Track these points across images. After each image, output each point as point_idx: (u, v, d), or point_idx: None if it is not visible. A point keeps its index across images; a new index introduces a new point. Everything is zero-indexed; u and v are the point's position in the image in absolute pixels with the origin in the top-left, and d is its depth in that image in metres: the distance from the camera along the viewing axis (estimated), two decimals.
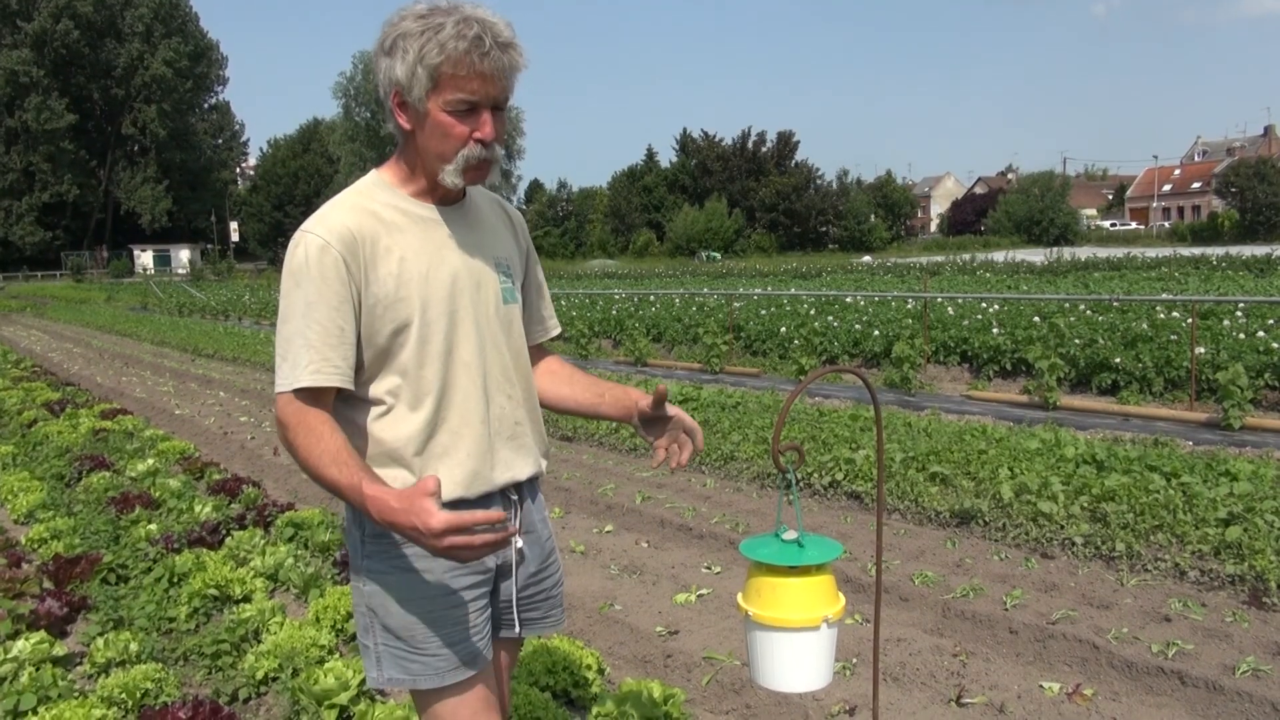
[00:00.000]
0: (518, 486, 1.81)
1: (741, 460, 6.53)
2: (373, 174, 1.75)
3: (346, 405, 1.69)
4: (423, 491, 1.45)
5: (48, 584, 4.29)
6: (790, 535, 1.69)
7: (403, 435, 1.66)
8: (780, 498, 1.86)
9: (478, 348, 1.72)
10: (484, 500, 1.74)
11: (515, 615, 1.83)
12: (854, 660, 3.49)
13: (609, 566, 4.71)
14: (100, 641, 3.57)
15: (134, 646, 3.54)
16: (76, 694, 3.25)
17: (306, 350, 1.58)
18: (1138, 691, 3.26)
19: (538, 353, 1.99)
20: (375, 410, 1.68)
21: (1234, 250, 33.21)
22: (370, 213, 1.67)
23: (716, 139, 73.98)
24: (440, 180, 1.66)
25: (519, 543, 1.81)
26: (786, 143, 72.99)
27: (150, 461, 6.70)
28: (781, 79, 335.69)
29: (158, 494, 5.82)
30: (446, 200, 1.75)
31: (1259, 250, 32.03)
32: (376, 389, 1.67)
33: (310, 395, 1.59)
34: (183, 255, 71.56)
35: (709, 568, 4.65)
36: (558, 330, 2.03)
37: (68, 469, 6.74)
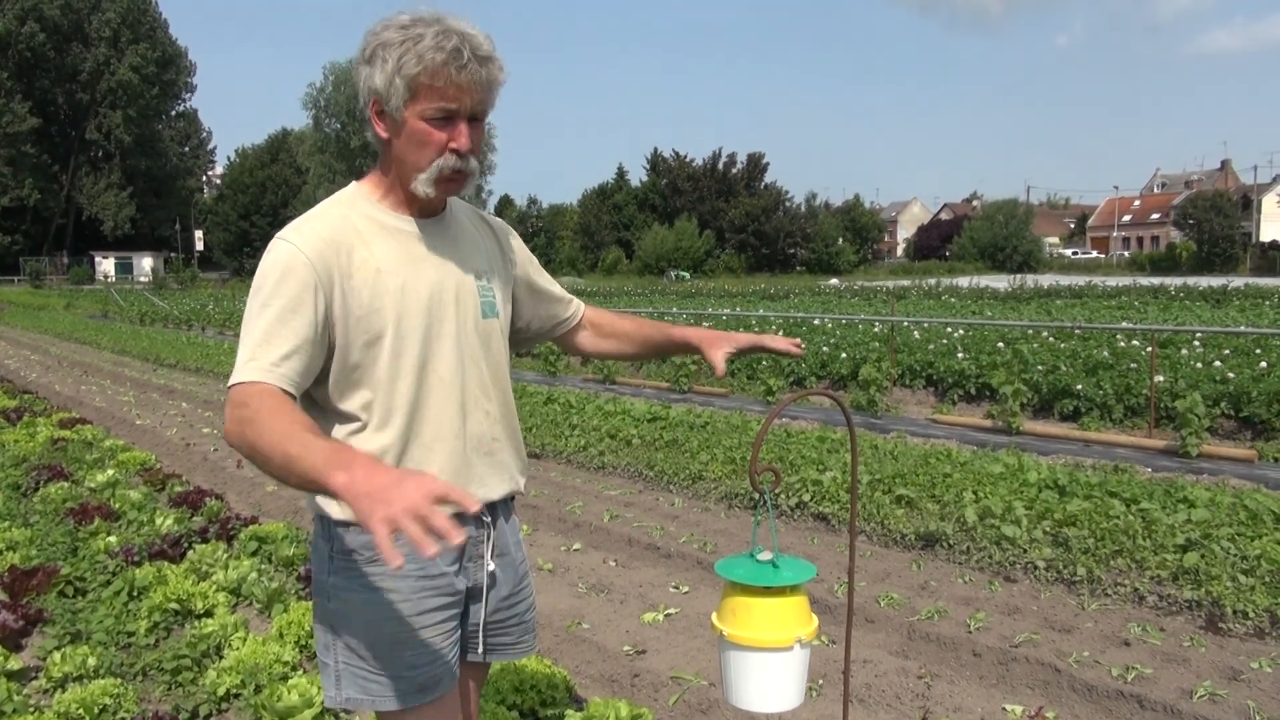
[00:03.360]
0: (491, 506, 1.78)
1: (710, 480, 6.55)
2: (353, 186, 1.74)
3: (324, 417, 1.68)
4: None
5: (3, 596, 4.21)
6: (765, 556, 1.71)
7: (375, 450, 1.64)
8: (756, 518, 1.88)
9: (455, 362, 1.70)
10: (455, 519, 1.71)
11: (481, 640, 1.79)
12: (820, 681, 3.51)
13: (577, 585, 4.70)
14: (57, 655, 3.50)
15: (92, 661, 3.47)
16: (32, 709, 3.18)
17: (250, 347, 1.56)
18: (1098, 714, 3.31)
19: (577, 329, 2.07)
20: (350, 426, 1.66)
21: (1191, 281, 34.00)
22: (348, 223, 1.66)
23: (687, 159, 74.42)
24: (413, 190, 1.65)
25: (491, 565, 1.77)
26: (756, 165, 73.60)
27: (110, 472, 6.58)
28: (752, 102, 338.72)
29: (118, 505, 5.72)
30: (426, 212, 1.73)
31: (1215, 281, 32.81)
32: (350, 404, 1.65)
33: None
34: (145, 263, 70.54)
35: (677, 587, 4.65)
36: (582, 309, 2.08)
37: (24, 478, 6.61)
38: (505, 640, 1.85)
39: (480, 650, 1.80)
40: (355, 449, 1.45)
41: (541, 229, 79.62)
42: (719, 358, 1.90)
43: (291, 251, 1.59)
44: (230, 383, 1.56)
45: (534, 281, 1.97)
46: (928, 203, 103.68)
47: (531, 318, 1.98)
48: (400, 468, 1.50)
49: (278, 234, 1.64)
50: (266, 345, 1.56)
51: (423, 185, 1.64)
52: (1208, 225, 58.74)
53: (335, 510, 1.67)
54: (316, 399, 1.68)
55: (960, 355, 11.45)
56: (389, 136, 1.64)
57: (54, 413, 9.74)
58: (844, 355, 12.20)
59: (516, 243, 1.95)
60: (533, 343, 2.03)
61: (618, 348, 2.08)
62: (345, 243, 1.63)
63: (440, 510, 1.22)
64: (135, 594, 4.20)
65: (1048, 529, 4.87)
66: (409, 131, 1.61)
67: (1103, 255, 76.31)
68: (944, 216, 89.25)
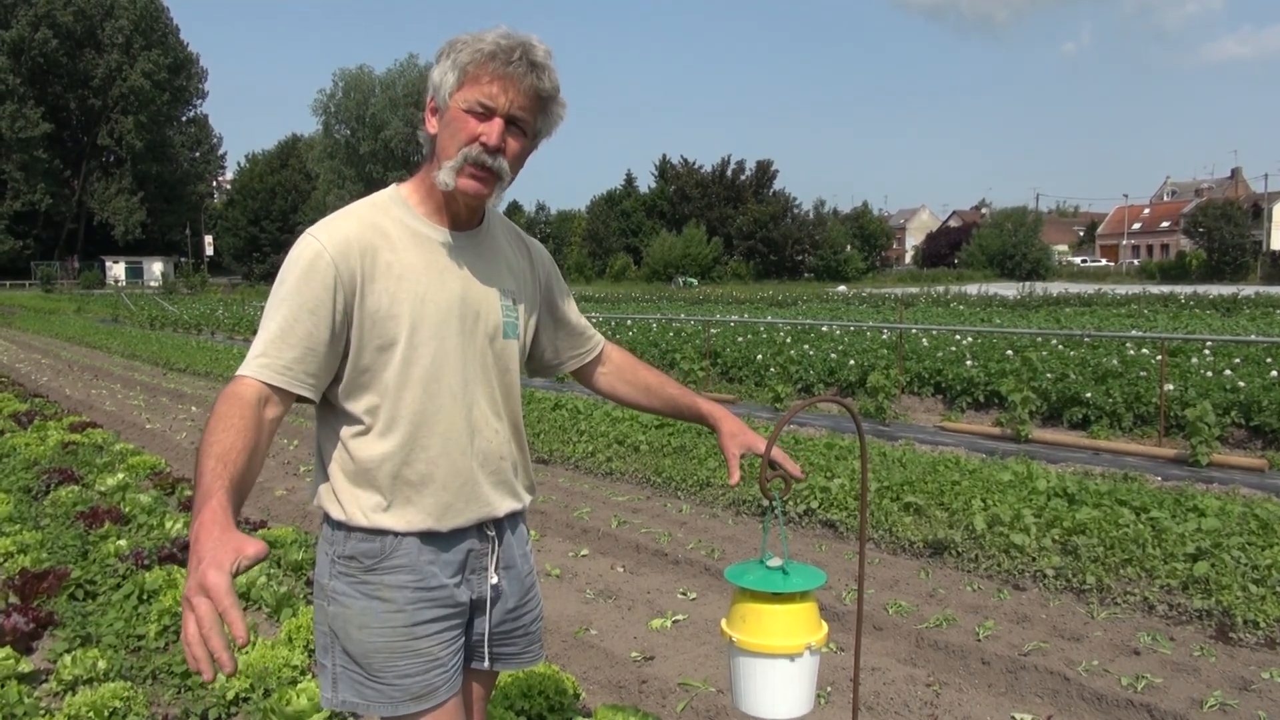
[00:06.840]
0: (496, 522, 1.78)
1: (717, 486, 6.55)
2: (393, 188, 1.74)
3: (334, 416, 1.69)
4: (242, 548, 1.26)
5: (13, 599, 4.22)
6: (775, 562, 1.71)
7: (376, 456, 1.64)
8: (766, 524, 1.88)
9: (465, 378, 1.69)
10: (456, 535, 1.71)
11: (486, 650, 1.80)
12: (828, 689, 3.50)
13: (585, 590, 4.70)
14: (67, 658, 3.52)
15: (102, 664, 3.49)
16: (42, 712, 3.20)
17: (264, 342, 1.58)
18: None
19: (594, 363, 2.04)
20: (356, 427, 1.66)
21: (1201, 289, 33.85)
22: (377, 227, 1.65)
23: (696, 166, 74.39)
24: (437, 180, 1.63)
25: (494, 578, 1.77)
26: (765, 172, 73.54)
27: (120, 476, 6.61)
28: (761, 109, 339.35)
29: (128, 509, 5.75)
30: (459, 224, 1.73)
31: (1225, 290, 32.68)
32: (357, 406, 1.65)
33: (270, 387, 1.55)
34: (155, 268, 70.86)
35: (684, 593, 4.65)
36: (602, 346, 2.05)
37: (35, 482, 6.64)
38: (510, 650, 1.85)
39: (486, 660, 1.81)
40: (213, 500, 1.35)
41: (549, 235, 79.68)
42: (734, 452, 1.95)
43: (317, 249, 1.60)
44: (240, 370, 1.57)
45: (559, 310, 1.96)
46: (936, 210, 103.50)
47: (549, 345, 1.97)
48: (232, 535, 1.31)
49: (308, 229, 1.65)
50: (280, 343, 1.56)
51: (445, 174, 1.61)
52: (1218, 233, 58.50)
53: (337, 512, 1.67)
54: (328, 396, 1.68)
55: (969, 363, 11.42)
56: (435, 132, 1.66)
57: (64, 416, 9.78)
58: (852, 362, 12.18)
59: (551, 268, 1.94)
60: (547, 371, 2.00)
61: (635, 397, 2.05)
62: (371, 244, 1.63)
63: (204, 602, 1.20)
64: (145, 597, 4.21)
65: (1057, 537, 4.86)
66: (448, 119, 1.62)
67: (1112, 263, 76.12)
68: (953, 224, 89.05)
